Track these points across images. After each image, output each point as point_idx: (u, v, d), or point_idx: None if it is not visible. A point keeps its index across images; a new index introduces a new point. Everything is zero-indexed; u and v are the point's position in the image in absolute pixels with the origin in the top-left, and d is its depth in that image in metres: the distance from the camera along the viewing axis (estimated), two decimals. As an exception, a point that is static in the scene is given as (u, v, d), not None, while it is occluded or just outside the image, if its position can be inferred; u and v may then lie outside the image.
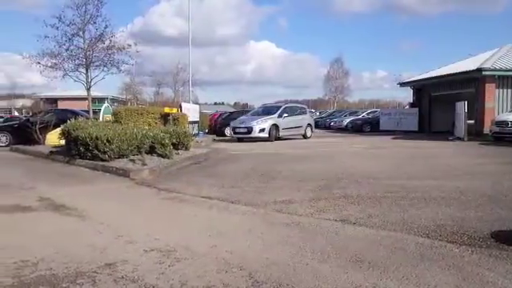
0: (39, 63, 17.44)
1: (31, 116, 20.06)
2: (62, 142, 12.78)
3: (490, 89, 21.25)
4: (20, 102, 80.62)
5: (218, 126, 27.44)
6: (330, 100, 78.50)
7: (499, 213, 5.62)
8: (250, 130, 20.62)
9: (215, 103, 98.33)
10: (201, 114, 24.26)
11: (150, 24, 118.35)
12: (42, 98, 64.65)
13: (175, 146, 12.28)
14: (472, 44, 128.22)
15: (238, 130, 21.32)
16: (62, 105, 55.80)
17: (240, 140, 21.17)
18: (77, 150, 10.95)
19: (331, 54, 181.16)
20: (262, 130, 20.52)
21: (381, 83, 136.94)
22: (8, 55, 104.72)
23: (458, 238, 4.59)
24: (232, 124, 22.17)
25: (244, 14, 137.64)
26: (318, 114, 51.80)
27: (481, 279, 3.50)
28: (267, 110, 23.08)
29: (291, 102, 34.19)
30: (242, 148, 16.79)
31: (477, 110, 21.83)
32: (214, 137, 24.48)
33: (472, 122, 21.64)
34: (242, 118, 22.91)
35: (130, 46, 18.28)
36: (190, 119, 19.19)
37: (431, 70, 28.37)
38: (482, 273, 3.63)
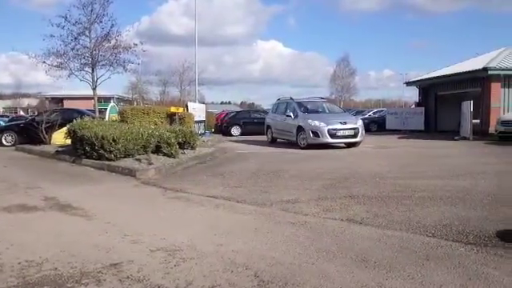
0: (45, 62, 17.43)
1: (37, 115, 20.05)
2: (68, 141, 12.82)
3: (496, 88, 21.11)
4: (26, 102, 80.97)
5: (224, 125, 27.47)
6: (336, 99, 78.25)
7: (504, 212, 5.61)
8: (356, 132, 15.82)
9: (222, 102, 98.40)
10: (207, 113, 24.22)
11: (157, 23, 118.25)
12: (47, 98, 64.78)
13: (181, 146, 12.30)
14: (480, 43, 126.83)
15: (341, 134, 15.67)
16: (67, 104, 55.83)
17: (247, 141, 18.78)
18: (83, 149, 10.98)
19: (339, 53, 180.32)
20: (362, 134, 16.29)
21: (387, 82, 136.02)
22: (15, 55, 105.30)
23: (463, 237, 4.58)
24: (326, 125, 15.51)
25: (252, 13, 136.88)
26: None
27: (486, 278, 3.50)
28: (325, 107, 18.24)
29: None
30: (248, 147, 16.79)
31: (482, 110, 21.75)
32: (221, 136, 24.45)
33: (478, 121, 21.57)
34: (321, 116, 16.59)
35: (136, 45, 18.24)
36: (196, 119, 19.15)
37: (438, 69, 28.23)
38: (488, 272, 3.62)
